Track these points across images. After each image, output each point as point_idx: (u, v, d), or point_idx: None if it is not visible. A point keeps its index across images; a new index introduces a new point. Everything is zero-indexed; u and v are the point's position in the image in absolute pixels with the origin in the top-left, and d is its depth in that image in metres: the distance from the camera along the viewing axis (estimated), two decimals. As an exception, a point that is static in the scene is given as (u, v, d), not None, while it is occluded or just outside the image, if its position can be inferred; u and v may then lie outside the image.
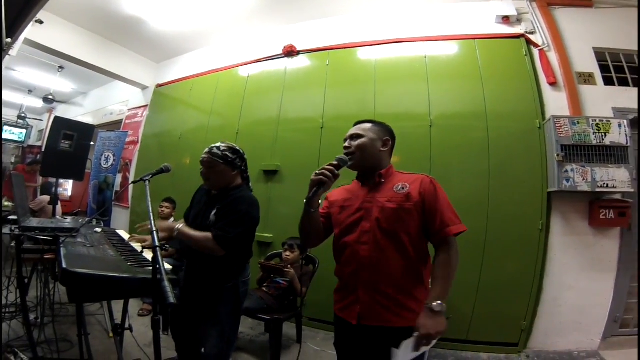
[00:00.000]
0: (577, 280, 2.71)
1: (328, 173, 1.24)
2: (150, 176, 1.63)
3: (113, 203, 5.01)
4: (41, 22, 3.90)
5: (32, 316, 2.45)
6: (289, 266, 2.58)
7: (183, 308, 1.76)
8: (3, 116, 6.68)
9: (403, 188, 1.32)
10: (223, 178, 1.74)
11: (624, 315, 2.75)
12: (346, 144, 1.40)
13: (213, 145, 1.78)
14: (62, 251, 1.48)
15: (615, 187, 2.60)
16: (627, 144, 2.64)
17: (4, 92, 6.36)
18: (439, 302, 1.15)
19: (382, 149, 1.40)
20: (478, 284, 2.76)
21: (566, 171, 2.63)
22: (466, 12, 3.38)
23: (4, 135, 6.79)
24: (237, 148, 1.81)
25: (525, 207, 2.78)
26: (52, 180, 4.36)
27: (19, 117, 7.17)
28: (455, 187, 2.85)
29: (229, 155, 1.74)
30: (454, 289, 2.84)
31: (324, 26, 3.87)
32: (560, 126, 2.69)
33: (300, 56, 3.88)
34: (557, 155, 2.65)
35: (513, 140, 2.89)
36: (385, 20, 3.63)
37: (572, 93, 2.90)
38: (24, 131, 7.27)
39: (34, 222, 2.13)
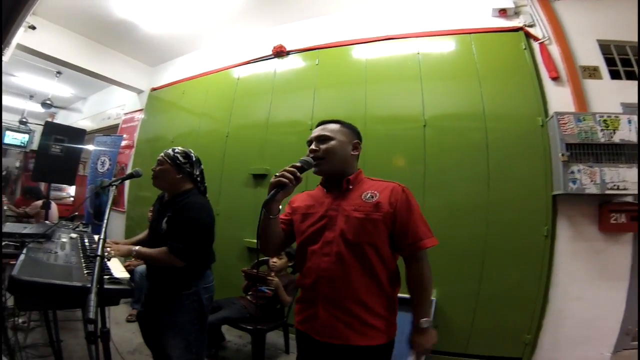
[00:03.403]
0: (586, 290, 2.55)
1: (289, 175, 1.13)
2: (119, 181, 1.67)
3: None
4: (33, 28, 3.98)
5: (20, 320, 2.54)
6: (272, 274, 2.48)
7: (148, 317, 1.78)
8: (5, 121, 6.80)
9: (372, 197, 1.22)
10: (166, 178, 1.76)
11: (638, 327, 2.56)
12: (313, 147, 1.28)
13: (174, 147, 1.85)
14: (21, 258, 1.45)
15: (627, 189, 2.43)
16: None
17: (5, 97, 6.47)
18: (426, 319, 1.17)
19: (352, 153, 1.31)
20: (477, 295, 2.62)
21: (572, 172, 2.47)
22: (460, 5, 3.24)
23: (6, 140, 6.87)
24: (192, 155, 1.85)
25: (528, 211, 2.62)
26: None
27: (20, 122, 7.25)
28: (451, 191, 2.77)
29: (179, 158, 1.78)
30: (451, 300, 2.66)
31: (314, 25, 3.82)
32: (565, 123, 2.53)
33: (290, 56, 3.84)
34: (562, 154, 2.49)
35: (514, 140, 2.74)
36: (376, 17, 3.54)
37: (576, 88, 2.74)
38: (26, 136, 7.34)
39: (8, 227, 2.14)
